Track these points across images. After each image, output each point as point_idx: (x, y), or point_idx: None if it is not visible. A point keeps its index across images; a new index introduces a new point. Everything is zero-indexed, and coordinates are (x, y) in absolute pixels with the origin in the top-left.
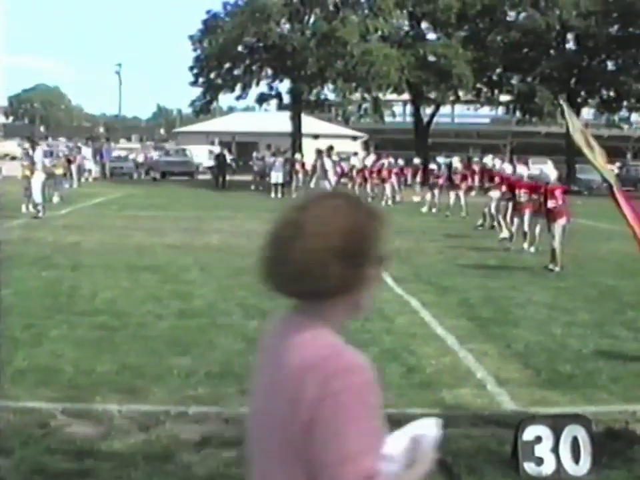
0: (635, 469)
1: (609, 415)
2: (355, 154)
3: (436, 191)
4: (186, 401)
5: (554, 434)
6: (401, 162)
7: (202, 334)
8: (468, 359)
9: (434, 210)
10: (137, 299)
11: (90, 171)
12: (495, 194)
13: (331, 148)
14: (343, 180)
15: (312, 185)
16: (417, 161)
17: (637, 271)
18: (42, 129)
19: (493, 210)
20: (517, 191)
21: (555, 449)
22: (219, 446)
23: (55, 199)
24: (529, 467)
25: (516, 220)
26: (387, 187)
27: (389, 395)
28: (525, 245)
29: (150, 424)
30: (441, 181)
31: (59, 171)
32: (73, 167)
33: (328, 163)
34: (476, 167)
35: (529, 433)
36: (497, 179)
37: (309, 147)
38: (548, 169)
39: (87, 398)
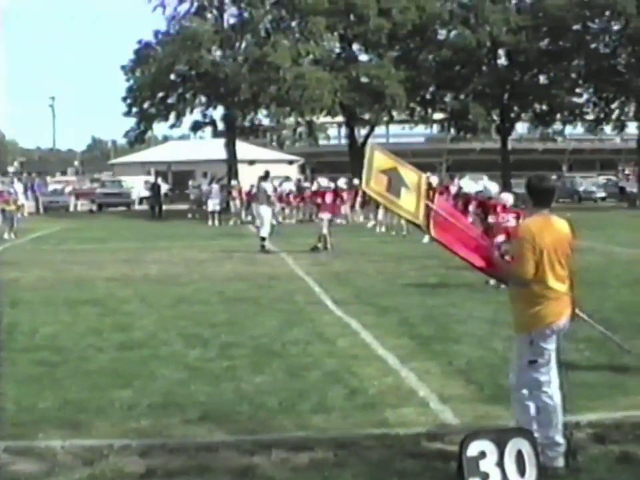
0: (581, 478)
1: None
2: (287, 178)
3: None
4: (129, 434)
5: (498, 448)
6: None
7: (143, 365)
8: (410, 377)
9: (382, 229)
10: (78, 333)
11: (23, 205)
12: (325, 215)
13: (267, 173)
14: (281, 204)
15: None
16: (355, 182)
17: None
18: (15, 164)
19: (324, 231)
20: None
21: (500, 463)
22: (164, 477)
23: (6, 236)
24: None
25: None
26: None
27: (333, 418)
28: None
29: (94, 458)
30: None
31: (11, 207)
32: None
33: (269, 188)
34: None
35: (473, 449)
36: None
37: (245, 173)
38: (490, 185)
39: (30, 435)
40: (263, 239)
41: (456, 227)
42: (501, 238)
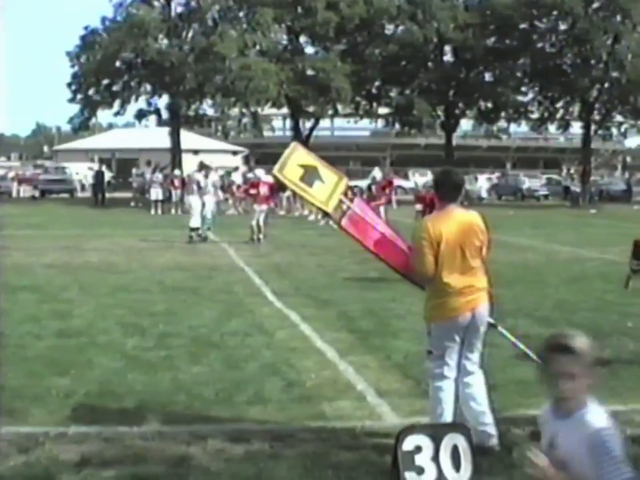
0: (515, 475)
1: None
2: (236, 169)
3: None
4: (65, 422)
5: (434, 443)
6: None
7: (81, 353)
8: (348, 371)
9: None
10: (16, 320)
11: None
12: (260, 207)
13: (201, 165)
14: (225, 195)
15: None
16: None
17: (514, 279)
18: None
19: (260, 222)
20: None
21: (436, 458)
22: (99, 466)
23: None
24: (410, 476)
25: None
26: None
27: (270, 410)
28: None
29: (29, 446)
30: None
31: None
32: None
33: (201, 179)
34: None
35: (409, 443)
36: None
37: (189, 163)
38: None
39: None
40: (192, 229)
41: (369, 226)
42: None
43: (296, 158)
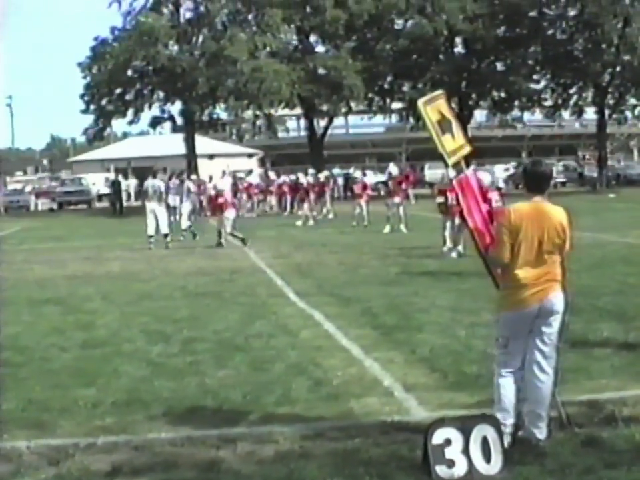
0: (547, 463)
1: None
2: (250, 171)
3: (306, 205)
4: (94, 432)
5: (463, 435)
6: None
7: (106, 363)
8: (374, 367)
9: (310, 222)
10: (40, 333)
11: None
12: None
13: (154, 172)
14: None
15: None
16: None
17: None
18: None
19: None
20: (448, 195)
21: (466, 450)
22: (130, 474)
23: None
24: (441, 470)
25: (448, 223)
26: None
27: (298, 410)
28: (445, 248)
29: (59, 458)
30: (312, 194)
31: None
32: None
33: (162, 185)
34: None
35: (438, 436)
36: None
37: (205, 168)
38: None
39: None
40: (165, 235)
41: (474, 197)
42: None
43: (441, 104)
